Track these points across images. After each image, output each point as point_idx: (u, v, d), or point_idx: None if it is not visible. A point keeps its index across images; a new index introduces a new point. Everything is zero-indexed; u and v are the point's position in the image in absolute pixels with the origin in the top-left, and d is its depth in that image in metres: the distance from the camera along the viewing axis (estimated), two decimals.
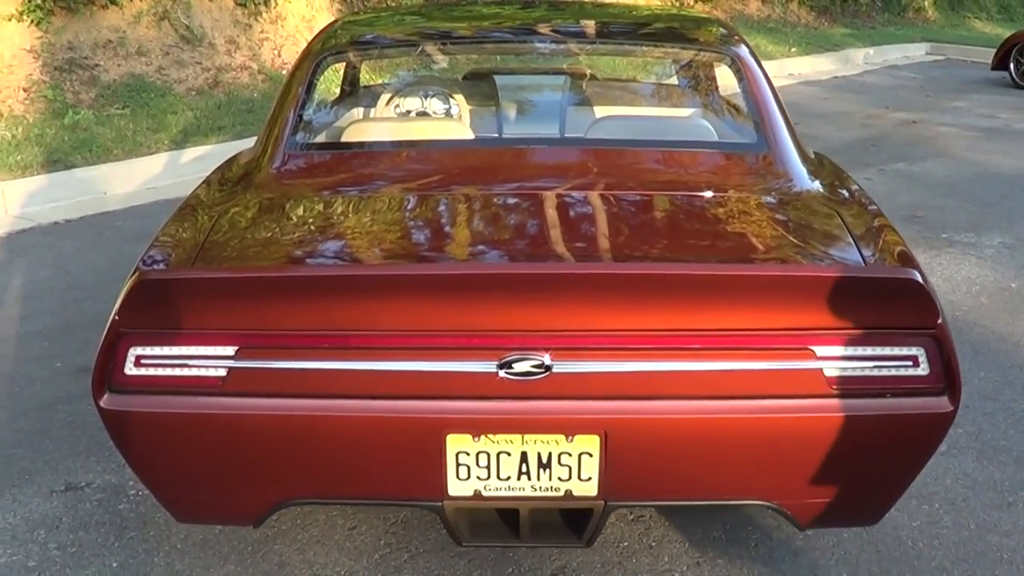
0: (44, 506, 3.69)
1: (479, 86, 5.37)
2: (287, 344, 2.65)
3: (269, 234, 3.14)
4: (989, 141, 10.80)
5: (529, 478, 2.76)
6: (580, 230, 3.20)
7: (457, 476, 2.75)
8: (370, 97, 5.36)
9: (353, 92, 5.53)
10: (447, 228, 3.21)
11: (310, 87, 3.87)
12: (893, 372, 2.68)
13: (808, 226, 3.22)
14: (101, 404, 2.68)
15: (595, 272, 2.73)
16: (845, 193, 3.57)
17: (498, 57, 7.26)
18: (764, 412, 2.67)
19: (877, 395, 2.69)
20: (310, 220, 3.27)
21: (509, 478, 2.76)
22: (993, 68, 15.66)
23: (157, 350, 2.65)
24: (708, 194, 3.40)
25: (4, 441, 4.14)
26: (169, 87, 9.99)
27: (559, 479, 2.75)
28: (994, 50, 15.91)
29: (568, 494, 2.78)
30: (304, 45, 11.23)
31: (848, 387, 2.67)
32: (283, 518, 3.57)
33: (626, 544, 3.49)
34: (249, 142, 8.60)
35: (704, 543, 3.52)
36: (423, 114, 5.12)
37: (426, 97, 5.22)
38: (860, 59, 17.87)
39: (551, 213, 3.23)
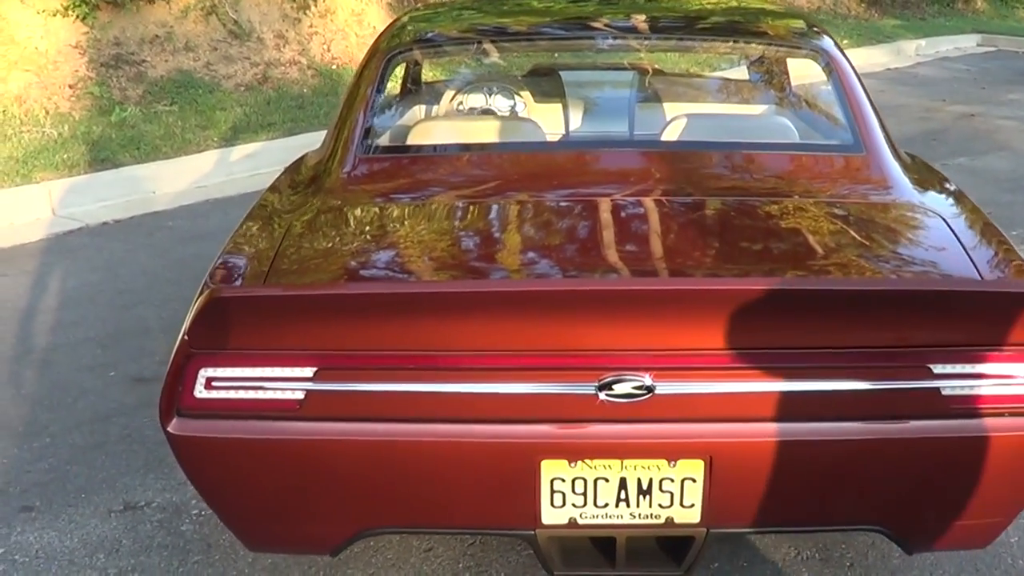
0: (102, 527, 3.51)
1: (544, 82, 5.18)
2: (370, 365, 2.45)
3: (345, 246, 2.97)
4: None
5: (628, 505, 2.57)
6: (679, 241, 2.98)
7: (551, 503, 2.56)
8: (433, 95, 5.17)
9: (416, 90, 5.34)
10: (537, 240, 3.01)
11: (380, 87, 3.68)
12: (1011, 391, 2.51)
13: (916, 236, 3.07)
14: (169, 429, 2.50)
15: (701, 288, 2.53)
16: (947, 198, 3.39)
17: (558, 53, 7.04)
18: (877, 434, 2.50)
19: (995, 414, 2.52)
20: (387, 230, 3.09)
21: (607, 505, 2.57)
22: None
23: (229, 371, 2.46)
24: (809, 200, 3.20)
25: (59, 457, 3.97)
26: (217, 83, 9.83)
27: (659, 506, 2.57)
28: None
29: (669, 521, 2.59)
30: (353, 39, 11.23)
31: (966, 406, 2.50)
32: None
33: (716, 566, 3.30)
34: (300, 139, 8.66)
35: (797, 563, 3.34)
36: (488, 111, 4.94)
37: (491, 94, 5.03)
38: (912, 51, 17.52)
39: (644, 223, 3.05)
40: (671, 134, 3.73)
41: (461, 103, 4.87)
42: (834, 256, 2.87)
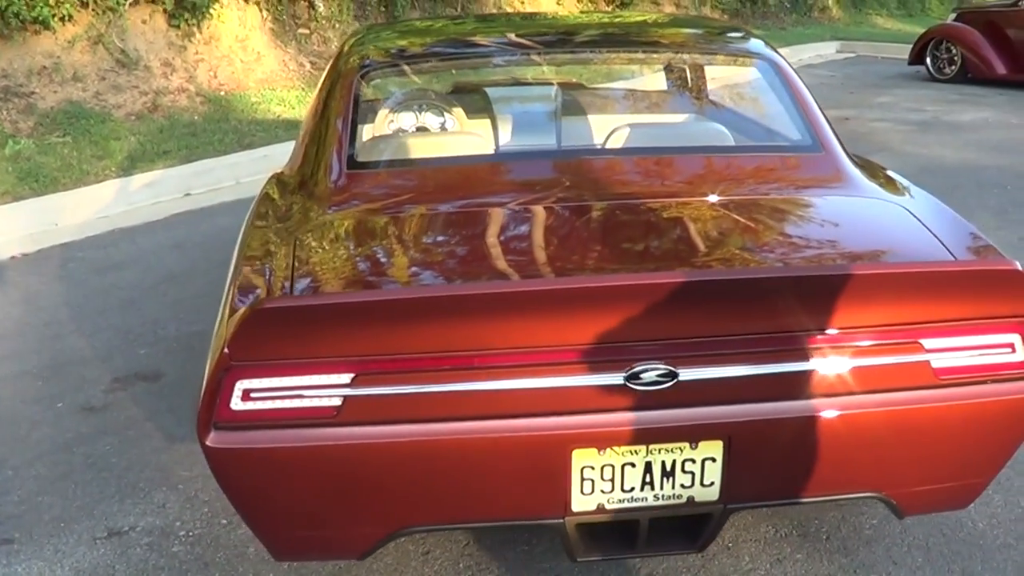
0: (92, 555, 3.47)
1: (470, 99, 5.27)
2: (407, 368, 2.51)
3: (363, 255, 3.04)
4: (924, 134, 10.96)
5: (652, 487, 2.69)
6: (686, 238, 3.16)
7: (581, 491, 2.66)
8: (369, 112, 5.23)
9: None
10: (552, 241, 3.15)
11: (356, 102, 3.73)
12: (992, 360, 2.73)
13: (889, 224, 3.29)
14: (207, 443, 2.51)
15: (716, 279, 2.69)
16: (903, 192, 3.64)
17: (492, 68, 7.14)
18: (879, 406, 2.68)
19: (979, 383, 2.74)
20: (401, 238, 3.16)
21: (632, 489, 2.69)
22: (910, 63, 15.94)
23: (266, 382, 2.49)
24: (787, 198, 3.43)
25: (26, 489, 3.91)
26: (108, 112, 9.69)
27: (682, 486, 2.70)
28: (899, 45, 16.20)
29: (690, 501, 2.73)
30: (239, 65, 11.18)
31: (953, 377, 2.72)
32: None
33: None
34: (198, 166, 8.64)
35: (778, 540, 3.50)
36: (422, 129, 5.02)
37: (421, 111, 5.11)
38: None
39: (648, 221, 3.21)
40: (639, 141, 3.88)
41: (392, 121, 4.95)
42: (826, 245, 3.12)
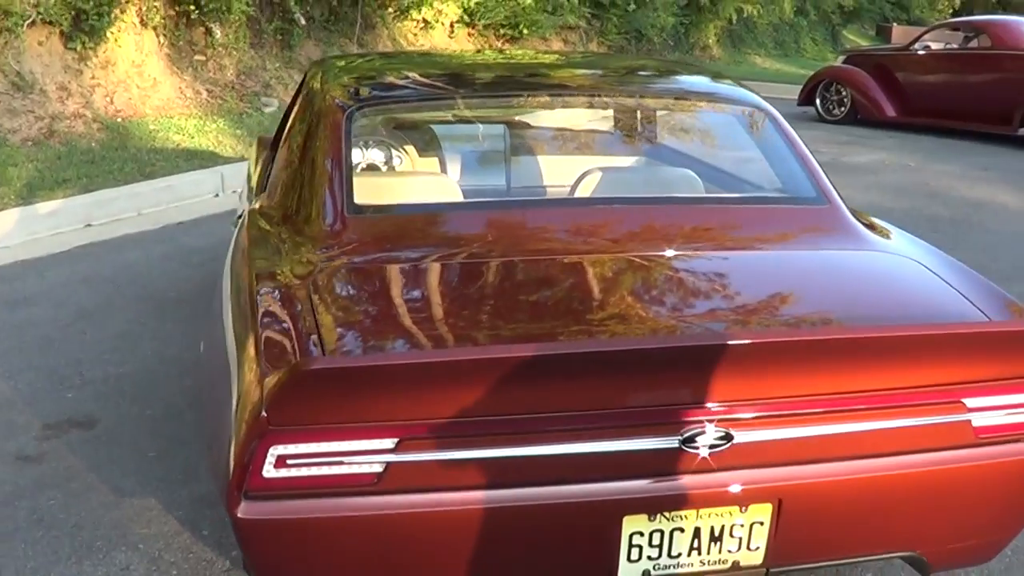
0: None
1: (416, 136, 5.11)
2: (452, 432, 2.36)
3: (390, 309, 2.92)
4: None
5: (699, 553, 2.61)
6: (726, 295, 3.15)
7: (628, 558, 2.55)
8: None
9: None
10: (592, 296, 3.06)
11: (348, 141, 3.52)
12: None
13: (912, 281, 3.31)
14: (238, 514, 2.31)
15: (768, 340, 2.58)
16: (909, 242, 3.66)
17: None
18: (922, 466, 2.68)
19: (1014, 440, 2.75)
20: (426, 290, 3.05)
21: (679, 555, 2.59)
22: (800, 103, 16.21)
23: (303, 448, 2.31)
24: (811, 251, 3.46)
25: None
26: (3, 138, 9.25)
27: (728, 551, 2.62)
28: (784, 85, 16.49)
29: (735, 565, 2.65)
30: (135, 91, 10.83)
31: (991, 435, 2.73)
32: None
33: None
34: (100, 195, 8.27)
35: None
36: (372, 167, 4.86)
37: (366, 148, 4.95)
38: None
39: (681, 279, 3.20)
40: (662, 190, 3.86)
41: None
42: (859, 305, 3.09)
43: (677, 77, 4.83)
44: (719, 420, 2.46)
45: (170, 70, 11.59)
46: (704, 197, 3.83)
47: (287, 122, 5.15)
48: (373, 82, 4.20)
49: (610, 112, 4.91)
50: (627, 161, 5.11)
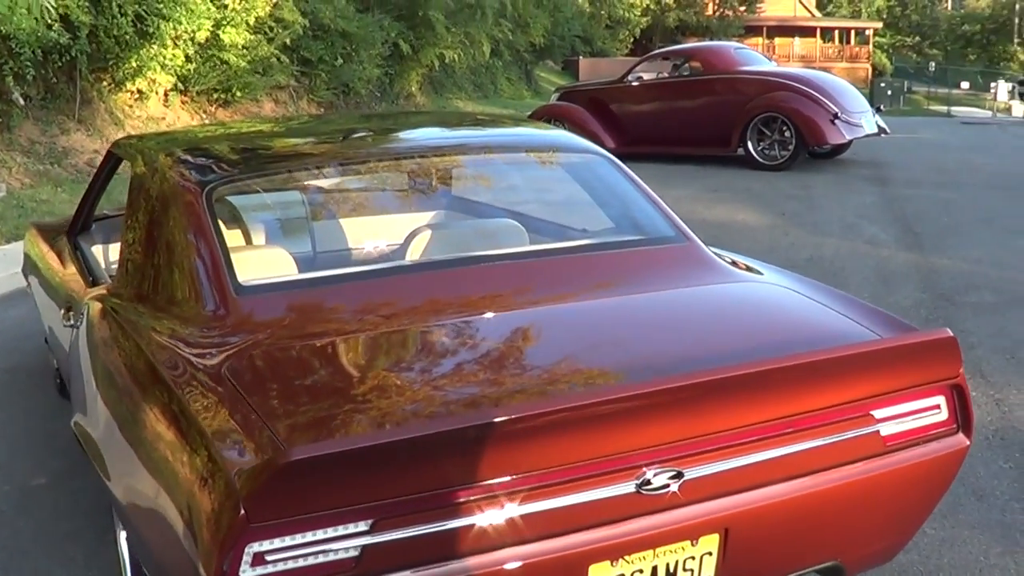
0: None
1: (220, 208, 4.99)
2: (424, 507, 2.37)
3: (328, 388, 2.87)
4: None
5: None
6: (651, 340, 3.22)
7: None
8: None
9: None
10: (529, 354, 3.12)
11: (213, 219, 3.45)
12: (924, 421, 2.98)
13: (800, 308, 3.51)
14: None
15: (707, 379, 2.68)
16: (774, 273, 3.87)
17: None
18: (842, 478, 2.84)
19: (916, 444, 2.97)
20: (352, 365, 3.04)
21: None
22: None
23: (278, 542, 2.26)
24: (697, 289, 3.58)
25: None
26: None
27: None
28: None
29: None
30: None
31: (897, 442, 2.94)
32: None
33: None
34: None
35: None
36: None
37: None
38: None
39: (613, 327, 3.27)
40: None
41: None
42: (763, 335, 3.27)
43: (506, 129, 4.92)
44: (668, 460, 2.59)
45: None
46: (574, 247, 3.93)
47: (84, 209, 4.95)
48: (217, 158, 4.09)
49: (443, 168, 4.91)
50: (463, 216, 5.16)
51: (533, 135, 4.80)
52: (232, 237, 4.67)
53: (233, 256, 3.38)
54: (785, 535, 2.86)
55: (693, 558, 2.70)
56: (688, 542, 2.67)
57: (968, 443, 3.06)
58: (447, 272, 3.55)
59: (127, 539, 3.19)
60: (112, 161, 4.77)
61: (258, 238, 4.69)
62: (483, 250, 3.73)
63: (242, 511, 2.23)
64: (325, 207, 5.19)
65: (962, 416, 3.03)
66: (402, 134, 4.69)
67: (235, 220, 4.76)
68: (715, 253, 3.83)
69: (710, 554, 2.71)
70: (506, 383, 2.91)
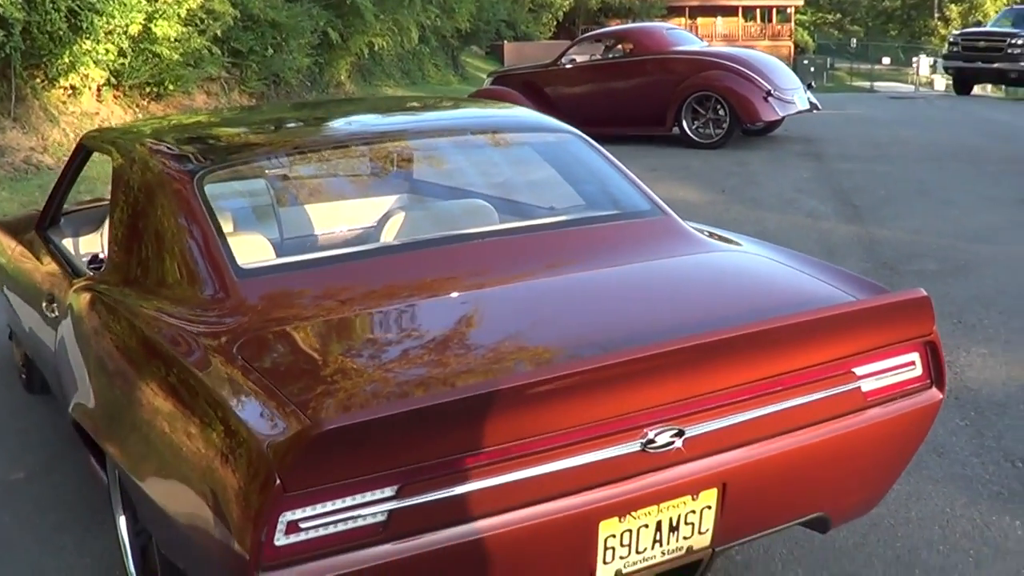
0: None
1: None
2: (446, 471, 2.50)
3: (348, 365, 2.96)
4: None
5: (660, 544, 2.87)
6: (645, 308, 3.37)
7: (603, 561, 2.78)
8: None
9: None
10: (532, 326, 3.24)
11: (208, 205, 3.52)
12: (901, 377, 3.17)
13: (780, 274, 3.67)
14: None
15: (703, 342, 2.80)
16: (749, 242, 4.05)
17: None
18: (827, 433, 3.02)
19: (894, 399, 3.16)
20: (364, 340, 3.18)
21: (645, 549, 2.84)
22: None
23: (310, 510, 2.38)
24: (691, 258, 3.74)
25: None
26: None
27: (683, 538, 2.90)
28: None
29: (689, 550, 2.93)
30: None
31: (876, 397, 3.12)
32: None
33: None
34: None
35: None
36: None
37: None
38: None
39: (607, 297, 3.44)
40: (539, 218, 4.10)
41: None
42: (751, 299, 3.44)
43: (477, 111, 5.00)
44: (670, 419, 2.75)
45: None
46: (558, 222, 4.04)
47: (54, 203, 4.96)
48: (204, 144, 4.18)
49: (421, 151, 4.97)
50: (445, 197, 5.24)
51: (504, 116, 4.90)
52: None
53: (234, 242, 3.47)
54: (777, 488, 3.03)
55: (694, 512, 2.86)
56: (689, 497, 2.83)
57: (941, 396, 3.24)
58: (437, 250, 3.66)
59: (141, 517, 3.22)
60: (83, 154, 4.80)
61: (227, 226, 4.75)
62: (463, 229, 3.84)
63: (277, 481, 2.32)
64: (294, 192, 5.23)
65: (935, 371, 3.22)
66: (379, 118, 4.78)
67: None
68: (692, 226, 3.96)
69: (709, 507, 2.87)
70: (512, 352, 3.04)
